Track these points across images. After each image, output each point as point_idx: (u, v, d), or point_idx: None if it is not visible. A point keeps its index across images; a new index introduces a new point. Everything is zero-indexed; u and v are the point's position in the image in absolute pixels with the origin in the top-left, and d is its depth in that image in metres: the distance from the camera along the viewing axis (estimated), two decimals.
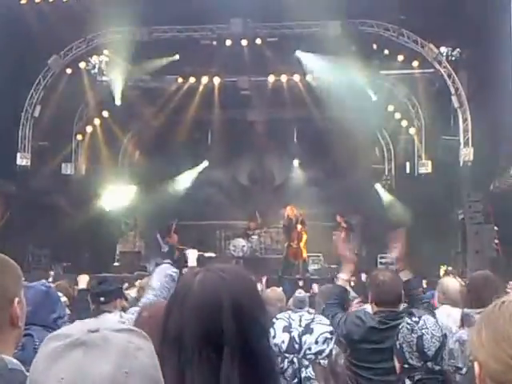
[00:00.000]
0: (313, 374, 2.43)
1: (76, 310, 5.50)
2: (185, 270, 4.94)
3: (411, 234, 17.82)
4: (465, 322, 4.67)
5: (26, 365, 1.80)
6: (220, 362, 1.69)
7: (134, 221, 21.24)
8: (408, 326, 3.36)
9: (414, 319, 3.39)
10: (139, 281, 6.87)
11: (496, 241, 17.60)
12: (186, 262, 5.25)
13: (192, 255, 5.20)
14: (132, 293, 7.77)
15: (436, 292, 6.08)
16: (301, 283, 14.18)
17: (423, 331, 3.32)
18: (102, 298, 5.54)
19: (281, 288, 8.08)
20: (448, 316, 5.25)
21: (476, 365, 1.50)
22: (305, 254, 20.03)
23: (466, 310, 4.73)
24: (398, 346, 3.36)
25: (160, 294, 4.15)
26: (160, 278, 4.37)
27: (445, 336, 3.40)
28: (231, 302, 1.76)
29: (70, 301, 5.99)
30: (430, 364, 3.29)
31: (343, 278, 4.97)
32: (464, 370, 4.31)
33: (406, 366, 3.32)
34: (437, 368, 3.30)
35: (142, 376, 1.15)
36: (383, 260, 18.80)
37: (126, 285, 11.71)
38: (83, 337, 1.17)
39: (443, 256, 17.60)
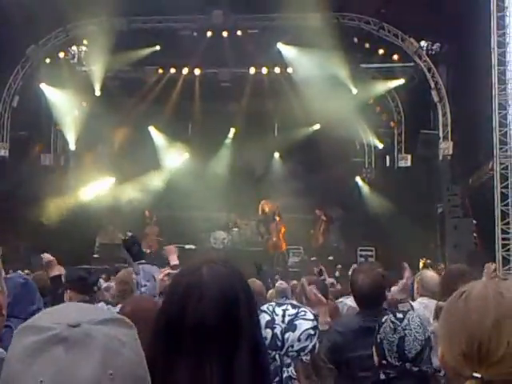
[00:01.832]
0: (294, 373, 2.43)
1: (51, 300, 5.37)
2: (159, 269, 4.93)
3: (391, 227, 18.10)
4: (439, 314, 4.67)
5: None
6: (235, 351, 1.71)
7: (114, 212, 21.11)
8: (391, 325, 3.25)
9: (398, 316, 3.30)
10: (119, 274, 6.82)
11: (474, 234, 17.77)
12: (168, 260, 5.24)
13: (171, 252, 5.18)
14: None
15: (415, 284, 6.12)
16: (281, 275, 14.18)
17: (406, 332, 3.21)
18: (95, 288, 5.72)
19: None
20: (425, 307, 5.28)
21: (439, 350, 1.52)
22: (284, 247, 20.08)
23: (440, 303, 4.74)
24: (379, 340, 3.28)
25: (151, 293, 4.21)
26: (146, 280, 4.43)
27: (428, 339, 3.27)
28: (244, 293, 1.81)
29: (45, 291, 5.87)
30: (408, 365, 3.20)
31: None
32: (442, 372, 4.31)
33: (384, 362, 3.24)
34: (415, 369, 3.21)
35: (127, 376, 1.09)
36: (363, 253, 18.92)
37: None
38: (64, 332, 1.07)
39: (422, 249, 17.70)
